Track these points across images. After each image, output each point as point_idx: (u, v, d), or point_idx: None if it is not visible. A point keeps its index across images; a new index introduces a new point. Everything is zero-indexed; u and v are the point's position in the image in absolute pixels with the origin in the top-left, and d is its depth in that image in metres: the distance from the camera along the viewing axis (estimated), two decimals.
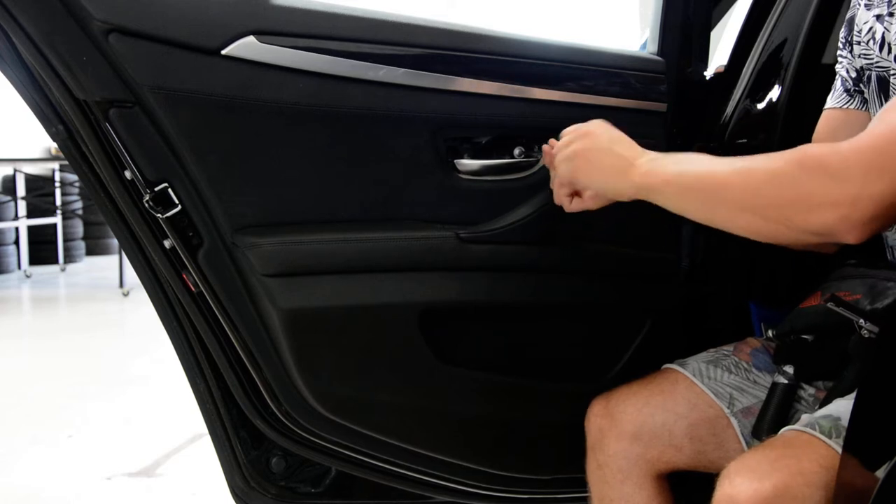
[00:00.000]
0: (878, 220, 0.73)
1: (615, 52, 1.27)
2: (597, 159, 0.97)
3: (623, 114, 1.24)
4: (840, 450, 0.80)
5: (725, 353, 1.16)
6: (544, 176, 1.22)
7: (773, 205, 0.77)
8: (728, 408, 1.09)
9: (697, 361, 1.16)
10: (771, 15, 1.34)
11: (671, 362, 1.18)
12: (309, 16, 1.08)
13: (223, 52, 1.03)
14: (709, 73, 1.43)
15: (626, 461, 1.11)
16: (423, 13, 1.15)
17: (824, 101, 1.32)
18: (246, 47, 1.04)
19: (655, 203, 0.91)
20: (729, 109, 1.35)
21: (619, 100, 1.23)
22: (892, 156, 0.71)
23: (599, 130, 0.99)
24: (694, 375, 1.13)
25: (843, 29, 1.08)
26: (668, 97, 1.26)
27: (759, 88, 1.33)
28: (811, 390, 1.03)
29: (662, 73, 1.26)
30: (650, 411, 1.11)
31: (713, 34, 1.45)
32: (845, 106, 1.06)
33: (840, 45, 1.09)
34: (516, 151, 1.22)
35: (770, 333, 1.07)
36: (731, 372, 1.12)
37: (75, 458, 2.48)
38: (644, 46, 1.39)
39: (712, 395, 1.10)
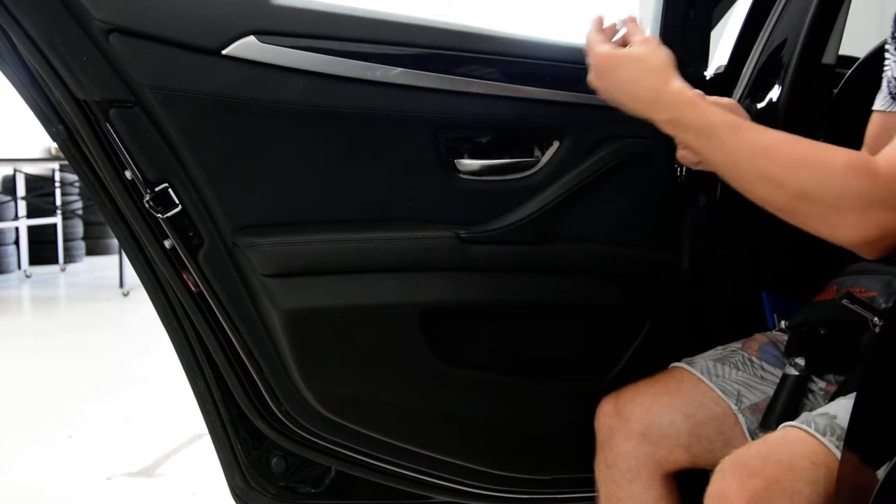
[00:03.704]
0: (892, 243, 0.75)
1: None
2: (626, 88, 0.93)
3: (623, 113, 1.23)
4: (833, 448, 0.81)
5: (733, 349, 1.16)
6: (544, 176, 1.22)
7: (803, 190, 0.77)
8: (735, 404, 1.09)
9: (705, 359, 1.15)
10: (771, 15, 1.34)
11: (677, 361, 1.18)
12: (309, 16, 1.08)
13: (223, 52, 1.04)
14: (709, 73, 1.43)
15: (636, 461, 1.11)
16: (423, 13, 1.15)
17: (824, 101, 1.32)
18: (246, 47, 1.04)
19: (681, 139, 0.89)
20: None
21: None
22: None
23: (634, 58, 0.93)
24: (702, 373, 1.12)
25: (891, 24, 0.98)
26: None
27: (759, 88, 1.32)
28: (821, 384, 1.03)
29: None
30: (658, 410, 1.11)
31: (713, 34, 1.45)
32: (889, 109, 1.01)
33: (888, 41, 1.00)
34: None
35: (783, 324, 1.06)
36: (738, 369, 1.12)
37: (75, 458, 2.48)
38: None
39: (719, 393, 1.10)
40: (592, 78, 0.97)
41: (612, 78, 0.94)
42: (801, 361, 1.02)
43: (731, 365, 1.13)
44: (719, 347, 1.18)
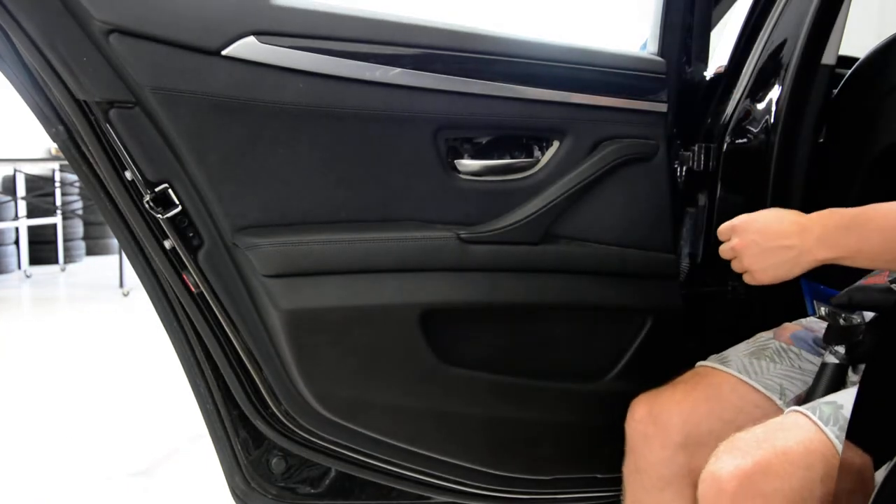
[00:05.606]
0: None
1: (615, 52, 1.27)
2: (766, 258, 0.97)
3: (623, 114, 1.24)
4: (833, 437, 0.82)
5: (765, 340, 1.14)
6: (544, 176, 1.22)
7: None
8: (780, 398, 1.06)
9: (739, 356, 1.13)
10: (771, 15, 1.34)
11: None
12: (309, 16, 1.08)
13: (223, 52, 1.04)
14: (709, 73, 1.43)
15: (669, 470, 1.09)
16: (422, 13, 1.15)
17: (824, 102, 1.32)
18: (246, 47, 1.04)
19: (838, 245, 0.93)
20: (729, 109, 1.35)
21: (619, 100, 1.24)
22: None
23: (755, 227, 0.99)
24: (740, 373, 1.10)
25: None
26: (668, 97, 1.26)
27: (759, 88, 1.33)
28: (854, 378, 1.01)
29: (662, 73, 1.26)
30: (697, 421, 1.08)
31: (713, 34, 1.45)
32: None
33: None
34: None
35: (823, 311, 1.03)
36: (775, 361, 1.10)
37: (75, 458, 2.48)
38: (644, 46, 1.39)
39: (763, 389, 1.07)
40: (743, 256, 1.00)
41: (754, 230, 0.99)
42: (840, 349, 0.99)
43: (768, 358, 1.10)
44: (749, 341, 1.15)
